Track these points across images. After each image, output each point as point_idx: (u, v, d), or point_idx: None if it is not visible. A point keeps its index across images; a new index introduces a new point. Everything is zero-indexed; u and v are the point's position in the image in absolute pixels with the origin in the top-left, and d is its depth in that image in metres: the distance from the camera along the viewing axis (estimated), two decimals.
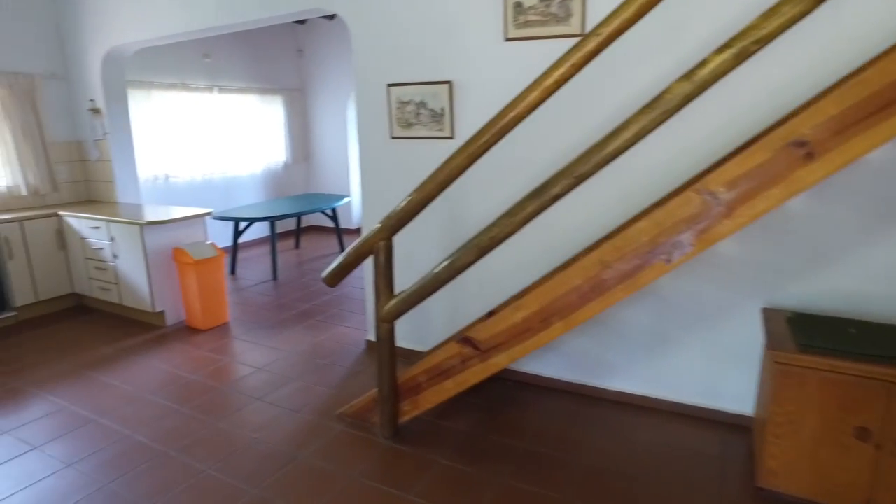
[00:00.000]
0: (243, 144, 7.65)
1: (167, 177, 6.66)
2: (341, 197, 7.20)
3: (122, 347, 4.35)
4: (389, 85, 3.71)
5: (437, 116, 3.59)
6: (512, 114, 2.36)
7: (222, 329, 4.70)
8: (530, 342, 2.57)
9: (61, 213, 5.11)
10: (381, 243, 2.75)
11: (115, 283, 4.88)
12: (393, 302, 2.79)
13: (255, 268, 6.71)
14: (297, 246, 7.69)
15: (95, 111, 5.52)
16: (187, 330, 4.69)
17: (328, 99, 8.34)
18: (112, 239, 4.75)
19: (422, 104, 3.63)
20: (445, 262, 2.59)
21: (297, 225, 7.76)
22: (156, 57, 6.42)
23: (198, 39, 6.85)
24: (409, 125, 3.71)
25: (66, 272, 5.25)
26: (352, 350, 4.23)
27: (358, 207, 8.69)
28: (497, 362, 2.67)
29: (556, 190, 2.29)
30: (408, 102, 3.67)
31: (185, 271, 4.59)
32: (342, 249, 7.37)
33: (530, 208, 2.35)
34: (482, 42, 3.35)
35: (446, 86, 3.51)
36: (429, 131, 3.64)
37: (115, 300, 4.94)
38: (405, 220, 2.72)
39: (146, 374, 3.87)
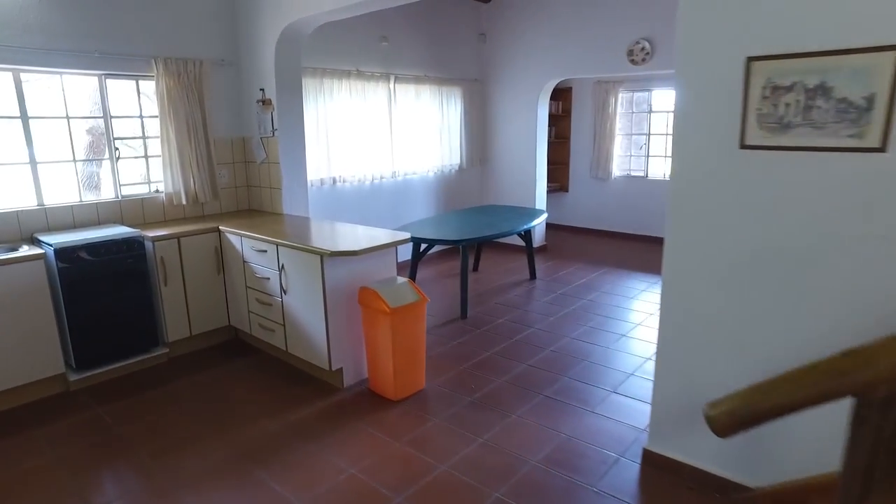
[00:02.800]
0: (417, 144, 6.50)
1: (334, 181, 5.64)
2: (536, 213, 5.82)
3: (290, 423, 3.23)
4: (752, 59, 2.21)
5: (852, 111, 2.04)
6: None
7: (419, 401, 3.45)
8: None
9: (222, 227, 4.15)
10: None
11: (282, 325, 3.81)
12: None
13: (436, 298, 5.48)
14: (475, 268, 6.41)
15: (265, 103, 4.54)
16: (371, 398, 3.50)
17: (513, 92, 7.00)
18: (282, 268, 3.67)
19: (820, 90, 2.09)
20: None
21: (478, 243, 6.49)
22: (330, 40, 5.41)
23: (375, 21, 5.77)
24: (783, 126, 2.18)
25: (222, 301, 4.30)
26: (624, 465, 2.79)
27: (542, 223, 7.29)
28: None
29: None
30: (788, 88, 2.15)
31: (374, 320, 3.40)
32: (533, 276, 5.99)
33: None
34: None
35: (890, 55, 1.94)
36: (830, 137, 2.10)
37: (280, 345, 3.89)
38: None
39: (328, 484, 2.68)
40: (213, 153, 4.57)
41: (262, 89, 4.55)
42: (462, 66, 6.95)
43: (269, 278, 3.82)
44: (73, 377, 3.66)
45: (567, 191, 8.37)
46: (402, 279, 3.55)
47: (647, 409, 3.31)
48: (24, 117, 3.82)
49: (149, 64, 4.19)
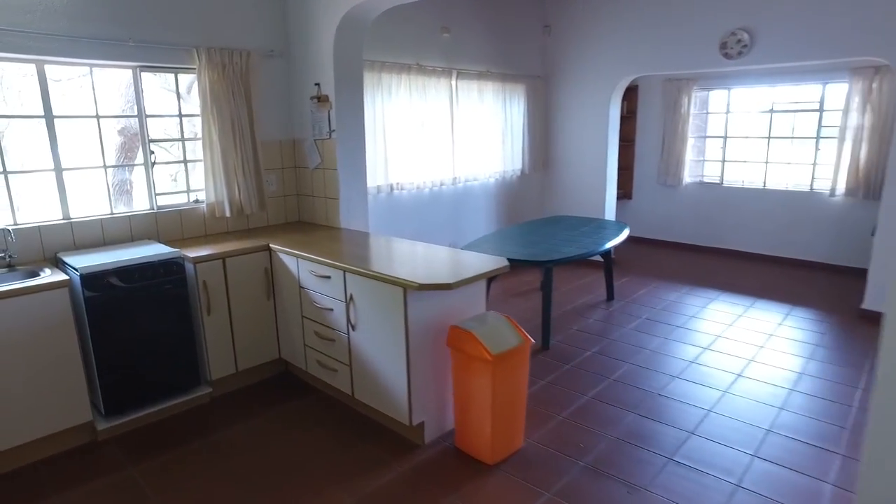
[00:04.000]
0: (479, 147, 5.82)
1: (391, 189, 5.00)
2: (615, 226, 5.12)
3: (365, 496, 2.58)
4: None
5: None
6: None
7: (519, 465, 2.79)
8: None
9: (273, 246, 3.52)
10: None
11: (347, 365, 3.17)
12: None
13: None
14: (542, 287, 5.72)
15: (321, 100, 3.91)
16: (461, 460, 2.84)
17: (581, 90, 6.30)
18: (350, 299, 3.03)
19: None
20: None
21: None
22: (388, 30, 4.77)
23: (436, 10, 5.13)
24: None
25: (273, 331, 3.68)
26: None
27: None
28: None
29: None
30: None
31: (470, 368, 2.73)
32: (611, 296, 5.29)
33: None
34: None
35: None
36: None
37: (344, 388, 3.25)
38: None
39: None
40: (261, 158, 3.96)
41: (318, 84, 3.92)
42: (525, 61, 6.27)
43: (332, 310, 3.18)
44: (101, 425, 3.07)
45: (631, 198, 7.64)
46: (495, 314, 2.89)
47: (804, 482, 2.62)
48: (49, 116, 3.23)
49: (189, 55, 3.59)
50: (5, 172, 3.17)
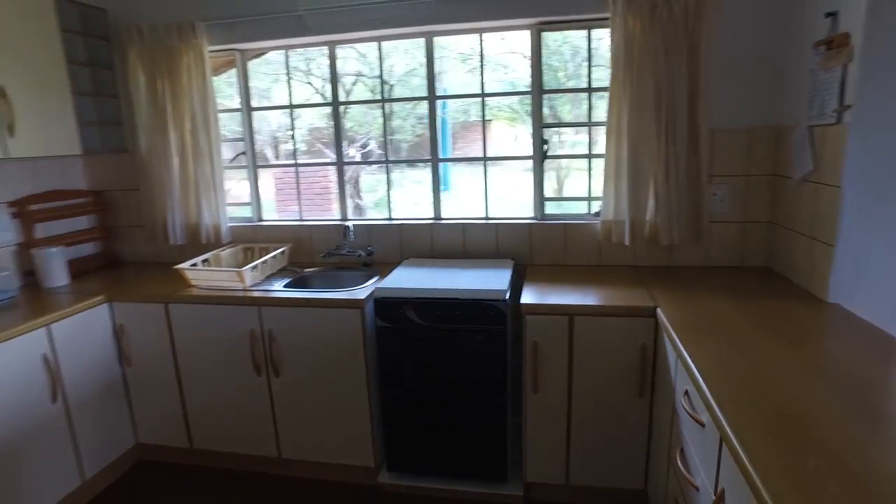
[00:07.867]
0: None
1: None
2: None
3: None
4: None
5: None
6: None
7: None
8: None
9: (664, 314, 1.88)
10: None
11: None
12: None
13: None
14: None
15: (832, 46, 1.87)
16: None
17: None
18: (719, 497, 1.19)
19: None
20: None
21: None
22: None
23: None
24: None
25: (641, 447, 2.07)
26: None
27: None
28: None
29: None
30: None
31: None
32: None
33: None
34: None
35: None
36: None
37: None
38: None
39: None
40: (704, 155, 2.26)
41: (832, 15, 1.88)
42: None
43: (697, 489, 1.40)
44: (382, 477, 2.34)
45: None
46: None
47: None
48: (432, 98, 2.57)
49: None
50: (386, 162, 2.72)
